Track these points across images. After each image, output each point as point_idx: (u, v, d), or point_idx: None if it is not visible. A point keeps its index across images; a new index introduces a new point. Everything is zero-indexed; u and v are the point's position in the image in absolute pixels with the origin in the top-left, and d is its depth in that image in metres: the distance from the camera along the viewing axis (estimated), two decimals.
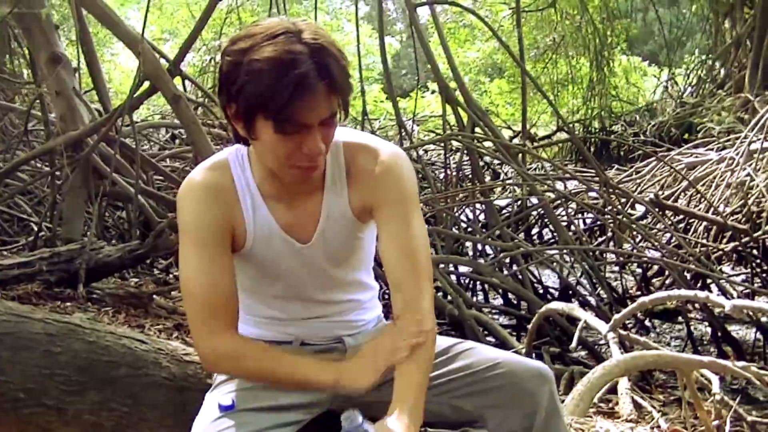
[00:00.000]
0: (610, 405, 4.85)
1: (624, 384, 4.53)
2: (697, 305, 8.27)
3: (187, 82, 10.37)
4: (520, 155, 10.07)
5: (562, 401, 3.44)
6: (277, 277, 2.53)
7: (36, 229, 8.73)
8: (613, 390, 4.85)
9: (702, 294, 4.90)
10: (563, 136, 20.67)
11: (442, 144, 10.75)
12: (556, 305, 5.91)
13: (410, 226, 2.43)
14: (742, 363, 4.23)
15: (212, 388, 2.54)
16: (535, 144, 15.43)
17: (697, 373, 4.65)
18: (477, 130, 9.68)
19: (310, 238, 2.47)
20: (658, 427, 4.28)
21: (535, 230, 11.99)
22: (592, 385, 3.69)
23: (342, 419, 2.11)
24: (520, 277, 8.17)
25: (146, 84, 7.81)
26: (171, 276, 8.31)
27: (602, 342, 7.35)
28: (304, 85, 2.08)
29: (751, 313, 7.29)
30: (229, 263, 2.40)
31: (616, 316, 5.02)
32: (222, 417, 2.36)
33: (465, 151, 9.67)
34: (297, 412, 2.49)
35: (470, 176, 10.19)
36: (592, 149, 21.46)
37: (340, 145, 2.43)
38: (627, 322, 7.96)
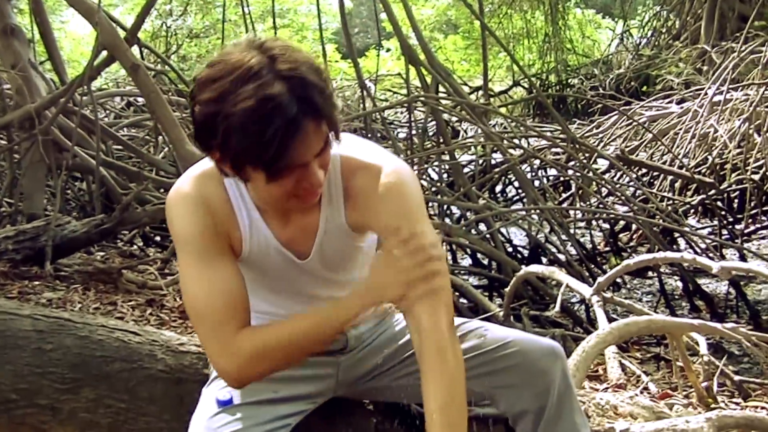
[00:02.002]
0: (594, 368, 4.83)
1: (611, 348, 4.49)
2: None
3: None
4: (484, 113, 10.00)
5: None
6: (275, 283, 2.46)
7: None
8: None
9: (689, 256, 4.90)
10: (520, 90, 20.68)
11: (406, 106, 10.66)
12: (535, 268, 5.87)
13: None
14: (731, 325, 4.20)
15: (209, 381, 2.47)
16: (499, 104, 15.34)
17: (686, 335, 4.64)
18: (441, 90, 9.59)
19: (308, 253, 2.37)
20: (647, 389, 4.28)
21: (499, 187, 11.94)
22: (587, 354, 3.63)
23: None
24: (490, 237, 8.11)
25: (104, 54, 7.65)
26: (136, 247, 8.20)
27: (574, 299, 7.36)
28: (292, 130, 1.96)
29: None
30: (232, 267, 2.28)
31: (600, 280, 4.99)
32: (220, 412, 2.30)
33: (430, 112, 9.56)
34: (298, 402, 2.44)
35: (434, 137, 10.08)
36: (549, 103, 21.51)
37: (338, 159, 2.29)
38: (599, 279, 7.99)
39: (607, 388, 4.20)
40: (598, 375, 4.74)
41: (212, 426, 2.25)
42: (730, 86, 11.27)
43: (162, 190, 8.52)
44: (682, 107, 12.28)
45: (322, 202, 2.31)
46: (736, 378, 4.66)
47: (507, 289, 5.89)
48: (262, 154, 1.96)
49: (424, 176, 9.86)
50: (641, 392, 4.13)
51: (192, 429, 2.29)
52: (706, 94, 11.54)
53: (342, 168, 2.31)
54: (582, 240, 9.28)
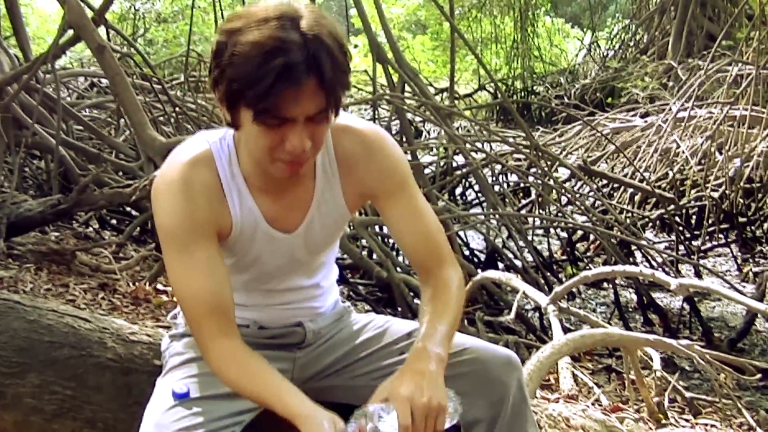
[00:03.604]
0: (546, 377, 4.83)
1: (565, 359, 4.50)
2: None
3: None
4: (448, 115, 10.00)
5: None
6: (246, 268, 2.42)
7: None
8: None
9: (647, 271, 4.92)
10: (485, 94, 20.71)
11: (371, 103, 10.64)
12: (492, 274, 5.90)
13: (418, 209, 2.42)
14: (686, 342, 4.23)
15: (163, 373, 2.43)
16: (464, 107, 15.34)
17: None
18: (407, 89, 9.58)
19: (294, 228, 2.36)
20: (599, 401, 4.29)
21: (458, 190, 11.95)
22: (541, 364, 3.64)
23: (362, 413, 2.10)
24: (450, 239, 8.10)
25: (70, 32, 7.57)
26: (91, 230, 8.12)
27: (528, 306, 7.37)
28: (288, 76, 1.95)
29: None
30: (218, 257, 2.27)
31: (557, 289, 5.02)
32: (177, 405, 2.24)
33: (394, 111, 9.55)
34: None
35: (397, 135, 10.06)
36: (514, 109, 21.59)
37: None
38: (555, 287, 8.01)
39: (558, 398, 4.20)
40: (549, 384, 4.75)
41: (168, 420, 2.20)
42: (695, 103, 11.36)
43: (121, 173, 8.45)
44: (646, 121, 12.39)
45: (317, 176, 2.33)
46: (688, 395, 4.69)
47: None
48: (253, 87, 1.96)
49: None
50: (593, 404, 4.13)
51: (146, 421, 2.24)
52: (670, 109, 11.64)
53: (333, 137, 2.33)
54: (539, 247, 9.30)
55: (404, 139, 9.47)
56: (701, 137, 10.94)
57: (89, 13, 7.71)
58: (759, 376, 4.57)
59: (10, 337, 2.55)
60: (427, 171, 10.61)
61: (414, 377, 2.10)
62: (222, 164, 2.27)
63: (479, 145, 10.19)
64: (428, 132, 14.50)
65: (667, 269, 7.98)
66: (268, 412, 2.25)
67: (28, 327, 2.59)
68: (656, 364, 4.51)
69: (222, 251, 2.32)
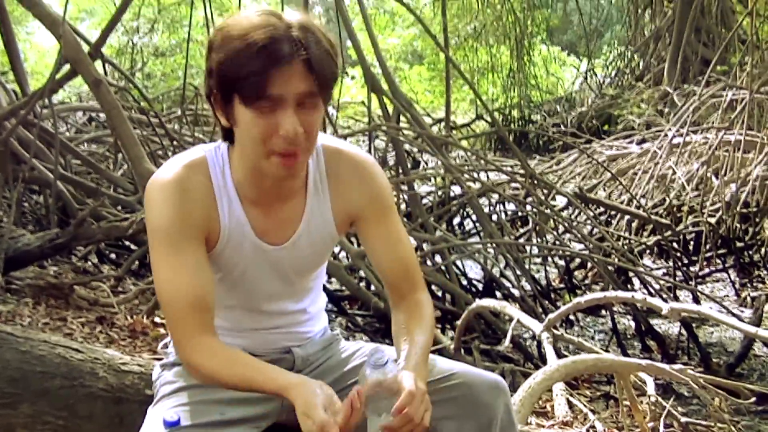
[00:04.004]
0: (542, 404, 4.84)
1: (559, 385, 4.52)
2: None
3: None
4: (444, 145, 10.03)
5: None
6: (234, 285, 2.46)
7: None
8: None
9: (639, 296, 4.93)
10: (482, 123, 20.75)
11: (367, 134, 10.68)
12: (487, 302, 5.91)
13: (398, 234, 2.53)
14: (679, 366, 4.22)
15: (154, 402, 2.45)
16: (461, 136, 15.40)
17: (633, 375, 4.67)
18: (402, 120, 9.62)
19: (282, 243, 2.41)
20: (594, 428, 4.30)
21: (456, 220, 11.96)
22: (533, 390, 3.66)
23: (368, 354, 2.19)
24: (445, 269, 8.13)
25: (67, 67, 7.62)
26: (90, 264, 8.15)
27: (526, 335, 7.38)
28: (277, 56, 2.06)
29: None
30: (205, 261, 2.31)
31: (551, 316, 5.03)
32: None
33: (390, 142, 9.59)
34: (244, 426, 2.42)
35: (394, 166, 10.09)
36: (511, 137, 21.62)
37: (320, 148, 2.40)
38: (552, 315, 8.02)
39: (553, 425, 4.21)
40: (545, 411, 4.76)
41: None
42: (690, 129, 11.40)
43: (119, 207, 8.49)
44: (641, 148, 12.41)
45: (308, 192, 2.40)
46: (683, 419, 4.69)
47: (459, 322, 5.91)
48: (244, 67, 2.06)
49: None
50: (587, 431, 4.14)
51: None
52: (665, 135, 11.65)
53: (325, 155, 2.42)
54: (537, 276, 9.30)
55: (400, 170, 9.50)
56: (697, 163, 10.97)
57: (86, 48, 7.78)
58: (754, 399, 4.55)
59: (3, 368, 2.58)
60: (424, 201, 10.64)
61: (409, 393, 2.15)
62: (215, 171, 2.33)
63: (475, 174, 10.22)
64: (426, 162, 14.53)
65: (664, 295, 7.99)
66: None
67: (20, 358, 2.62)
68: (650, 389, 4.51)
69: (210, 264, 2.35)
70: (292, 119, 2.11)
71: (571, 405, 4.66)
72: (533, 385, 3.71)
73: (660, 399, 4.56)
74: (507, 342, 5.20)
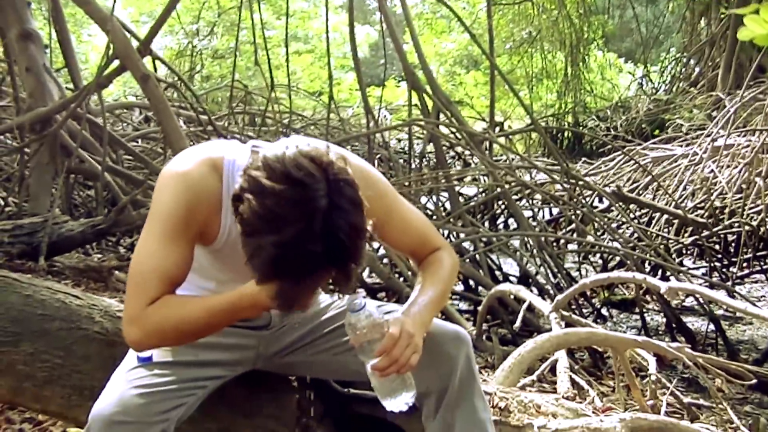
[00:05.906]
0: (555, 385, 4.95)
1: (563, 363, 4.61)
2: (654, 296, 8.38)
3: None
4: (488, 145, 10.16)
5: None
6: (229, 270, 2.52)
7: (2, 203, 8.78)
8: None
9: (639, 276, 5.03)
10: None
11: (407, 130, 10.81)
12: (503, 287, 6.04)
13: (405, 221, 2.65)
14: (675, 344, 4.33)
15: None
16: (499, 133, 15.41)
17: (635, 354, 4.77)
18: (441, 117, 9.76)
19: None
20: (592, 403, 4.38)
21: (500, 220, 12.05)
22: (522, 358, 3.80)
23: (347, 301, 2.31)
24: (477, 263, 8.26)
25: (116, 63, 7.86)
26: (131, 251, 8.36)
27: (547, 326, 7.49)
28: (310, 283, 2.09)
29: (700, 301, 7.42)
30: (189, 259, 2.37)
31: (559, 297, 5.16)
32: (138, 367, 2.42)
33: (428, 139, 9.74)
34: (218, 368, 2.58)
35: (435, 164, 10.24)
36: (565, 143, 21.61)
37: None
38: (585, 310, 8.12)
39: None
40: (555, 390, 4.87)
41: (129, 378, 2.37)
42: (733, 131, 11.38)
43: None
44: (684, 150, 12.38)
45: None
46: (686, 400, 4.79)
47: (480, 308, 6.03)
48: (278, 280, 2.06)
49: (427, 204, 10.05)
50: (579, 402, 4.24)
51: (111, 379, 2.42)
52: (707, 137, 11.64)
53: None
54: (575, 275, 9.37)
55: (439, 165, 9.63)
56: (739, 165, 10.96)
57: (135, 44, 8.01)
58: (755, 381, 4.58)
59: (6, 308, 2.76)
60: (472, 201, 10.76)
61: (405, 320, 2.36)
62: (227, 180, 2.36)
63: (516, 173, 10.32)
64: (475, 164, 14.60)
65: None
66: (239, 386, 2.46)
67: (23, 301, 2.79)
68: (651, 368, 4.57)
69: (206, 254, 2.47)
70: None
71: (582, 387, 4.76)
72: (523, 353, 3.86)
73: (662, 378, 4.65)
74: (518, 323, 5.34)
